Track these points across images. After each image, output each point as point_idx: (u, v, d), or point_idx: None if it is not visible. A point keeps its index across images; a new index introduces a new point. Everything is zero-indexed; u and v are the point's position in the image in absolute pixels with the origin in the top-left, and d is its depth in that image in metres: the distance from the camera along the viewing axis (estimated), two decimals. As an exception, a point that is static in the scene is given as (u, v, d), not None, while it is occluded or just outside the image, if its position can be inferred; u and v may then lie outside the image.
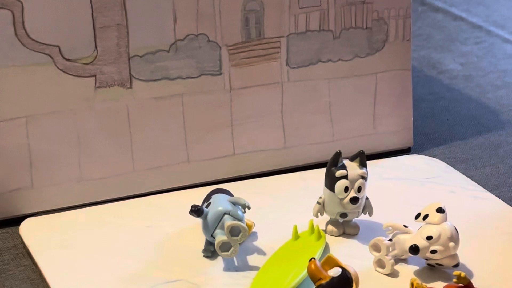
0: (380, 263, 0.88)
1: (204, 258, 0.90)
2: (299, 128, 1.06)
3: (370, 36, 1.06)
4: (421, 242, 0.85)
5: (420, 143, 1.14)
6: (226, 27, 1.00)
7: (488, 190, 1.03)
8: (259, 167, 1.05)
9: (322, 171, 0.92)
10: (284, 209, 0.98)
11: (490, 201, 1.00)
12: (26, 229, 0.95)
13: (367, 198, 0.93)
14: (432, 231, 0.85)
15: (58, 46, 0.94)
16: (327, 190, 0.91)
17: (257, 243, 0.92)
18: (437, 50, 1.44)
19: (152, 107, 0.99)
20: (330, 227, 0.94)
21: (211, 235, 0.88)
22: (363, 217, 0.94)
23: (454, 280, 0.81)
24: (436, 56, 1.42)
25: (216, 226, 0.87)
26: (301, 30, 1.03)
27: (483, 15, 1.57)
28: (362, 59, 1.06)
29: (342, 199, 0.91)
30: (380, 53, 1.07)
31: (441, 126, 1.20)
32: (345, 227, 0.94)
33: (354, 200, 0.90)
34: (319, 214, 0.93)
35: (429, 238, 0.85)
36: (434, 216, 0.86)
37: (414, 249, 0.85)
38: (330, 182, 0.91)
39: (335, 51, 1.05)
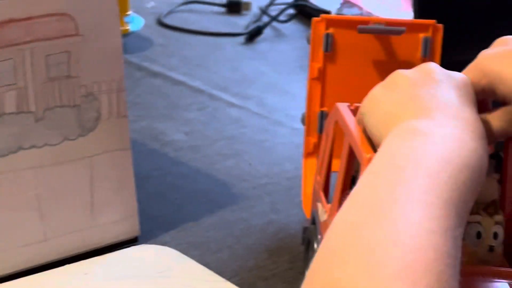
0: None
1: None
2: (3, 229, 0.89)
3: (79, 115, 0.92)
4: None
5: (148, 229, 1.01)
6: None
7: (226, 278, 0.91)
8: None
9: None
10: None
11: (230, 291, 0.89)
12: None
13: None
14: None
15: None
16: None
17: None
18: (160, 119, 1.33)
19: None
20: None
21: None
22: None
23: None
24: (159, 126, 1.30)
25: None
26: (-5, 114, 0.87)
27: (204, 78, 1.48)
28: (72, 141, 0.92)
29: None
30: (93, 133, 0.93)
31: (169, 206, 1.08)
32: None
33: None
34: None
35: None
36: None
37: None
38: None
39: (39, 135, 0.89)
